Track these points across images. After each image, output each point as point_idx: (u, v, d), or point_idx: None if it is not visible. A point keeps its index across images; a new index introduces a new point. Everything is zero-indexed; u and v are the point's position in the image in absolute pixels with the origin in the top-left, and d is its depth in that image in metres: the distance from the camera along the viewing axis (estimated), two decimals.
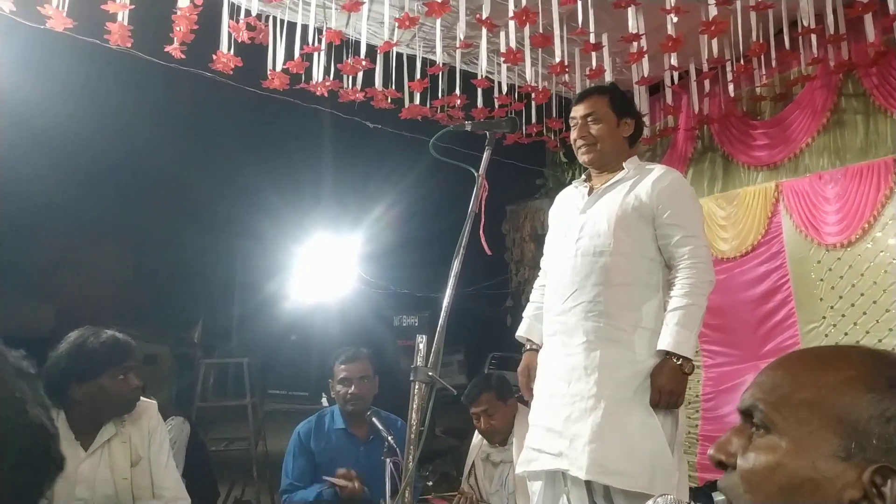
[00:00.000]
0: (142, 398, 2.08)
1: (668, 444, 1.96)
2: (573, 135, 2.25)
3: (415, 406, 1.54)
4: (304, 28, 3.40)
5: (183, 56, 3.31)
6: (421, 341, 1.59)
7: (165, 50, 3.20)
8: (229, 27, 3.15)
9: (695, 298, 1.99)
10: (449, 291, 1.70)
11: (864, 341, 3.69)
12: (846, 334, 3.79)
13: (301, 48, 3.34)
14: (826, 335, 3.91)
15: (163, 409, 3.55)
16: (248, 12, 3.16)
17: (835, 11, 3.30)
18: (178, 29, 3.11)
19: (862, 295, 3.73)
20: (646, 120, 4.54)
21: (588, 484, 1.98)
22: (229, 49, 3.21)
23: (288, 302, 6.30)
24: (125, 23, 2.86)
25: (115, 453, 1.93)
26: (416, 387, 1.57)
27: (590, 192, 2.22)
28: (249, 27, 3.17)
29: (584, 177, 2.31)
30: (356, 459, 2.54)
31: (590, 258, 2.08)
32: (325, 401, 2.93)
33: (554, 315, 2.16)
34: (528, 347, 2.34)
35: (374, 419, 2.48)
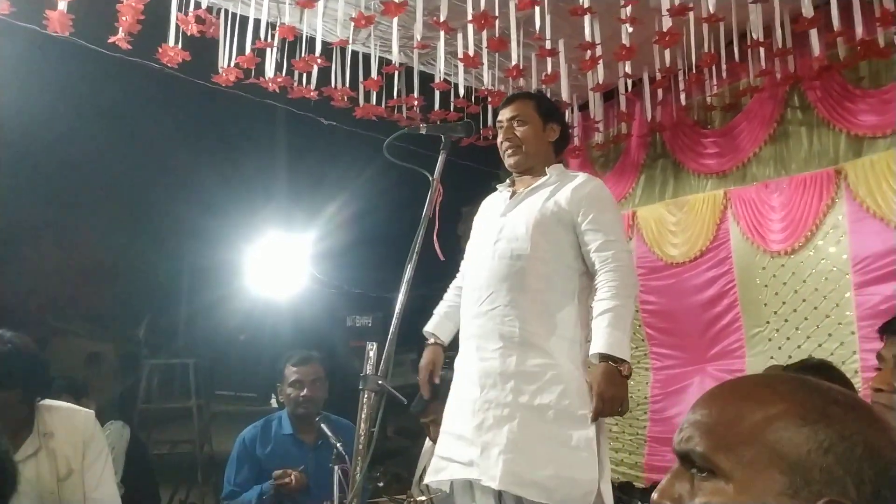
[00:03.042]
0: (77, 406, 1.97)
1: (589, 457, 1.85)
2: (499, 138, 2.23)
3: (363, 416, 1.50)
4: (257, 22, 3.32)
5: (129, 47, 3.19)
6: (371, 349, 1.56)
7: (110, 41, 3.08)
8: (178, 19, 3.05)
9: (622, 300, 1.93)
10: (401, 298, 1.67)
11: (805, 346, 3.81)
12: (788, 339, 3.91)
13: (253, 43, 3.26)
14: (770, 339, 4.02)
15: (104, 411, 3.44)
16: (198, 4, 3.06)
17: (782, 25, 3.39)
18: (123, 19, 3.00)
19: (804, 301, 3.85)
20: (599, 128, 4.62)
21: (499, 496, 1.89)
22: (177, 42, 3.11)
23: (237, 301, 6.14)
24: (65, 10, 2.73)
25: (40, 468, 1.82)
26: (366, 396, 1.53)
27: (512, 196, 2.20)
28: (199, 20, 3.08)
29: (508, 181, 2.28)
30: (304, 465, 2.48)
31: (506, 261, 2.03)
32: (274, 401, 2.86)
33: (470, 318, 2.10)
34: (433, 342, 2.29)
35: (323, 425, 2.43)
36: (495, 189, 2.35)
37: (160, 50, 3.12)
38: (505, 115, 2.21)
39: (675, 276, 4.56)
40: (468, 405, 1.97)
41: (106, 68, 3.75)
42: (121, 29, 3.07)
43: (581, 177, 2.16)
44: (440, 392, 2.91)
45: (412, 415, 3.01)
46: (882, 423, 0.69)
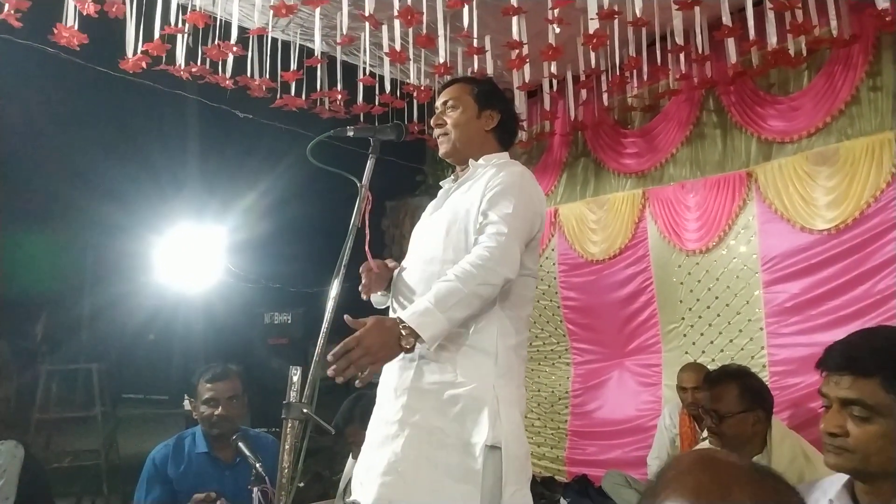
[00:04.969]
0: None
1: (472, 491, 1.60)
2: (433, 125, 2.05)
3: (287, 447, 1.40)
4: (167, 3, 3.09)
5: (19, 24, 2.90)
6: (295, 373, 1.46)
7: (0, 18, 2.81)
8: None
9: (465, 283, 1.62)
10: (328, 316, 1.57)
11: (717, 342, 3.97)
12: (702, 335, 4.06)
13: (163, 28, 3.03)
14: (684, 335, 4.16)
15: None
16: None
17: (702, 31, 3.47)
18: None
19: (716, 298, 4.00)
20: (523, 124, 4.61)
21: None
22: (75, 22, 2.85)
23: (146, 297, 5.77)
24: None
25: None
26: (289, 424, 1.43)
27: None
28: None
29: (452, 176, 2.08)
30: (221, 484, 2.33)
31: (421, 265, 1.87)
32: (187, 404, 2.67)
33: None
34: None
35: (240, 444, 2.28)
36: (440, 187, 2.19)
37: (56, 31, 2.85)
38: (440, 100, 2.04)
39: (596, 273, 4.65)
40: (371, 422, 1.83)
41: None
42: (7, 5, 2.79)
43: (504, 165, 1.92)
44: (356, 414, 2.80)
45: (335, 402, 2.90)
46: None
